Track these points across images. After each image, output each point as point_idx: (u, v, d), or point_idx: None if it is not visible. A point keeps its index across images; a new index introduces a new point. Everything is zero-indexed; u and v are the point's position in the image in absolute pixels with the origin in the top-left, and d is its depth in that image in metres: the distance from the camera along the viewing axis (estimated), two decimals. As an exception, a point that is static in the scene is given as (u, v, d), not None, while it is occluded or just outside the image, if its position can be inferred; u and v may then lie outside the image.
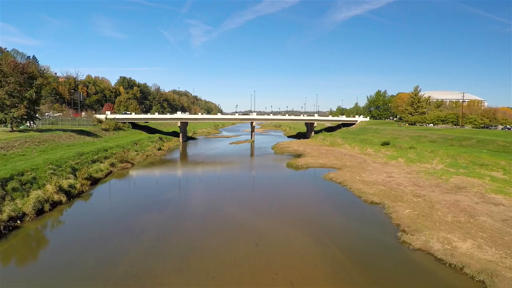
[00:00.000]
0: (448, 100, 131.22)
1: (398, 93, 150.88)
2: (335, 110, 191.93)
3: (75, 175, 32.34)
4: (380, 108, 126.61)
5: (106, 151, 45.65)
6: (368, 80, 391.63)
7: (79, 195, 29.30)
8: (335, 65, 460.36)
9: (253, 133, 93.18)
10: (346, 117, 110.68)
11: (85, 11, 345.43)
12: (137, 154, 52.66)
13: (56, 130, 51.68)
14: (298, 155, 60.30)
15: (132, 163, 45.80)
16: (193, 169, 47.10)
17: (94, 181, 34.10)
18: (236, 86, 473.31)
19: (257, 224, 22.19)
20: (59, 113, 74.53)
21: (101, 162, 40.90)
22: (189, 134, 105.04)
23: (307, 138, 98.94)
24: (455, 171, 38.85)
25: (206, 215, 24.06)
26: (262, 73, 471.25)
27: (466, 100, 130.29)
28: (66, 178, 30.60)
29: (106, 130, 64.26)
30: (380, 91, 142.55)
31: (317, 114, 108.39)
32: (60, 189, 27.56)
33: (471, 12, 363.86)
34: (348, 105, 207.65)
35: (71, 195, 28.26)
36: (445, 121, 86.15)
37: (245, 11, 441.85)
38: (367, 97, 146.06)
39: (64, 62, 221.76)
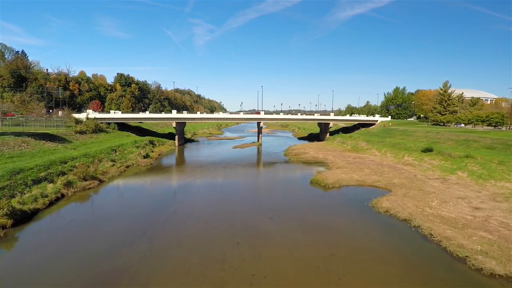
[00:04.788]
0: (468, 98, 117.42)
1: (417, 90, 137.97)
2: (344, 109, 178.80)
3: (-13, 211, 20.22)
4: (401, 106, 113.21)
5: (65, 163, 33.42)
6: (373, 79, 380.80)
7: (-23, 250, 17.10)
8: (339, 64, 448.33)
9: (260, 135, 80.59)
10: (366, 116, 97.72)
11: (88, 11, 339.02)
12: (113, 165, 40.39)
13: (10, 134, 39.64)
14: (320, 164, 47.84)
15: (100, 180, 33.47)
16: (183, 189, 34.71)
17: (25, 217, 21.92)
18: (239, 85, 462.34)
19: None
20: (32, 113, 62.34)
21: (51, 181, 28.72)
22: (188, 136, 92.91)
23: (320, 140, 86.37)
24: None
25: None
26: (265, 72, 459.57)
27: (484, 99, 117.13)
28: (-35, 219, 18.51)
29: (81, 132, 52.09)
30: (399, 87, 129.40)
31: (333, 113, 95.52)
32: None
33: (475, 10, 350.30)
34: (357, 104, 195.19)
35: (-43, 254, 16.08)
36: (487, 122, 72.81)
37: (248, 10, 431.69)
38: (384, 94, 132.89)
39: (67, 62, 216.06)
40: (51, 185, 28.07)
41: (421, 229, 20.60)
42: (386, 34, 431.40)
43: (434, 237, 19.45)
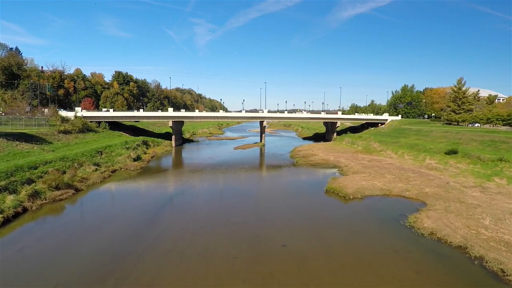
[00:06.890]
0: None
1: (425, 88, 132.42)
2: (348, 108, 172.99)
3: None
4: (411, 104, 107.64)
5: (35, 168, 28.20)
6: (376, 79, 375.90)
7: None
8: (341, 63, 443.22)
9: (263, 135, 75.34)
10: (374, 115, 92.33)
11: (89, 11, 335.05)
12: (97, 169, 35.18)
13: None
14: (331, 168, 42.61)
15: (76, 189, 28.25)
16: (172, 201, 29.47)
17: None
18: (241, 85, 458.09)
19: None
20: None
21: (13, 192, 23.54)
22: (187, 136, 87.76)
23: (327, 140, 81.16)
24: None
25: None
26: (267, 71, 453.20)
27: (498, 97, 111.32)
28: None
29: (66, 132, 46.96)
30: (407, 85, 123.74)
31: (340, 112, 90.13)
32: None
33: (477, 10, 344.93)
34: (362, 103, 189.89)
35: None
36: (508, 121, 67.26)
37: (249, 10, 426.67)
38: (392, 92, 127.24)
39: (68, 61, 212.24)
40: (11, 196, 22.88)
41: (487, 263, 15.32)
42: (387, 33, 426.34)
43: (508, 276, 14.20)
